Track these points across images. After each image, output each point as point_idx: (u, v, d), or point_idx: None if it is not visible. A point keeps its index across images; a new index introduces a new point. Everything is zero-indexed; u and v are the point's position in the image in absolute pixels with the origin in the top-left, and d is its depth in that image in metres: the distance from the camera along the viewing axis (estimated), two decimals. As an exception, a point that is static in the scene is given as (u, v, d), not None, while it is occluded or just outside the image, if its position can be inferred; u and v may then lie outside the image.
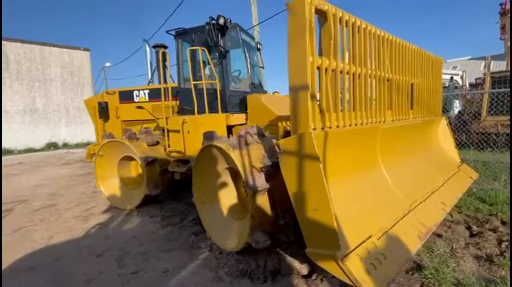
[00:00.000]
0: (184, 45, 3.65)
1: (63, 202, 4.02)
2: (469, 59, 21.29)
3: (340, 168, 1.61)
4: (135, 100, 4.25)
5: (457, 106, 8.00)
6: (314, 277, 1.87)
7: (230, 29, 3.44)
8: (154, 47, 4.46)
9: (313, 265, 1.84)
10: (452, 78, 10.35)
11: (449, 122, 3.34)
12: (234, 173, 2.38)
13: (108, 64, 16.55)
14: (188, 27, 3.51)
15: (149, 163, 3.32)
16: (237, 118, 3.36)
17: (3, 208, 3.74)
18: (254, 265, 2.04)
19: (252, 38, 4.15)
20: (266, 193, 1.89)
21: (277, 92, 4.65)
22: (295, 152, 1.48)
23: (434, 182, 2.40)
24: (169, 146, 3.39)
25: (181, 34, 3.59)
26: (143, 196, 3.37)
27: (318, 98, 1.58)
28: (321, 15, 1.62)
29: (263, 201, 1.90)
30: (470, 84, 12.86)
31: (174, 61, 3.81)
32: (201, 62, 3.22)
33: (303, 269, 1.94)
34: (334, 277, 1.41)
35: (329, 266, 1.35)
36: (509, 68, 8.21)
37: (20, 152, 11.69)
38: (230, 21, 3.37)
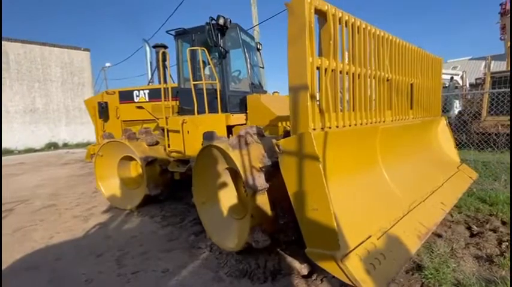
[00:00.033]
0: (184, 46, 3.66)
1: (63, 202, 4.02)
2: (469, 59, 21.29)
3: (339, 168, 1.61)
4: (135, 100, 4.26)
5: (457, 106, 8.00)
6: (314, 277, 1.87)
7: (230, 29, 3.45)
8: (154, 47, 4.46)
9: (313, 265, 1.84)
10: (452, 78, 10.35)
11: (449, 122, 3.34)
12: (234, 173, 2.38)
13: (108, 64, 16.58)
14: (188, 28, 3.51)
15: (149, 162, 3.33)
16: (237, 118, 3.36)
17: (3, 208, 3.74)
18: (254, 265, 2.04)
19: (252, 38, 4.15)
20: (266, 193, 1.90)
21: (277, 92, 4.66)
22: (294, 152, 1.48)
23: (434, 182, 2.40)
24: (169, 146, 3.40)
25: (181, 34, 3.60)
26: (143, 196, 3.37)
27: (317, 98, 1.58)
28: (321, 15, 1.62)
29: (263, 201, 1.90)
30: (471, 85, 12.86)
31: (174, 61, 3.82)
32: (201, 62, 3.22)
33: (303, 269, 1.94)
34: (334, 277, 1.41)
35: (329, 266, 1.35)
36: (509, 68, 8.21)
37: (20, 152, 11.70)
38: (230, 21, 3.38)
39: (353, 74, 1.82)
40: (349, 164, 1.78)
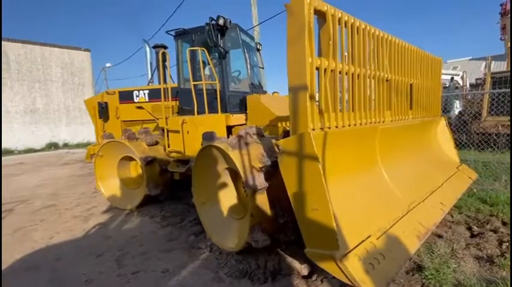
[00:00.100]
0: (184, 46, 3.66)
1: (63, 202, 4.02)
2: (470, 60, 21.29)
3: (339, 168, 1.61)
4: (135, 100, 4.26)
5: (457, 106, 7.99)
6: (314, 277, 1.87)
7: (230, 30, 3.45)
8: (154, 47, 4.46)
9: (313, 265, 1.84)
10: (452, 78, 10.35)
11: (449, 123, 3.33)
12: (234, 174, 2.38)
13: (108, 64, 16.56)
14: (188, 28, 3.52)
15: (149, 162, 3.33)
16: (236, 118, 3.36)
17: (3, 208, 3.75)
18: (254, 265, 2.04)
19: (252, 38, 4.16)
20: (265, 192, 1.90)
21: (276, 92, 4.66)
22: (294, 152, 1.48)
23: (433, 183, 2.40)
24: (169, 146, 3.40)
25: (181, 34, 3.60)
26: (143, 195, 3.37)
27: (317, 99, 1.58)
28: (320, 15, 1.62)
29: (262, 200, 1.91)
30: (471, 85, 12.85)
31: (174, 61, 3.82)
32: (200, 62, 3.23)
33: (303, 269, 1.93)
34: (334, 277, 1.41)
35: (328, 266, 1.35)
36: (509, 69, 8.20)
37: (20, 152, 11.71)
38: (230, 21, 3.38)
39: (352, 74, 1.83)
40: (349, 164, 1.78)
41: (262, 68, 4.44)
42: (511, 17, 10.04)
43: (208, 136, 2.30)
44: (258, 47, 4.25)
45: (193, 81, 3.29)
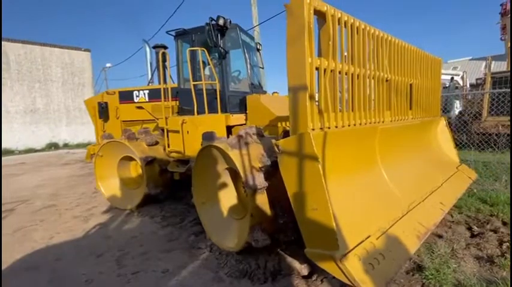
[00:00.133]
0: (184, 46, 3.66)
1: (63, 202, 4.03)
2: (470, 60, 21.28)
3: (339, 168, 1.62)
4: (135, 100, 4.26)
5: (457, 106, 7.99)
6: (314, 277, 1.87)
7: (230, 30, 3.45)
8: (154, 47, 4.47)
9: (313, 265, 1.84)
10: (452, 78, 10.35)
11: (450, 123, 3.33)
12: (234, 174, 2.38)
13: (108, 65, 16.60)
14: (188, 28, 3.52)
15: (148, 162, 3.33)
16: (236, 118, 3.37)
17: (4, 208, 3.75)
18: (254, 265, 2.04)
19: (252, 38, 4.16)
20: (265, 192, 1.90)
21: (276, 92, 4.67)
22: (294, 152, 1.48)
23: (433, 183, 2.40)
24: (168, 146, 3.40)
25: (181, 35, 3.60)
26: (143, 195, 3.37)
27: (316, 99, 1.58)
28: (320, 16, 1.63)
29: (262, 200, 1.91)
30: (471, 85, 12.85)
31: (174, 62, 3.82)
32: (200, 62, 3.23)
33: (303, 269, 1.93)
34: (334, 277, 1.41)
35: (328, 266, 1.35)
36: (509, 69, 8.19)
37: (20, 152, 11.72)
38: (230, 21, 3.38)
39: (352, 74, 1.83)
40: (348, 164, 1.79)
41: (262, 68, 4.44)
42: (511, 17, 10.04)
43: (208, 136, 2.30)
44: (258, 47, 4.25)
45: (193, 81, 3.29)
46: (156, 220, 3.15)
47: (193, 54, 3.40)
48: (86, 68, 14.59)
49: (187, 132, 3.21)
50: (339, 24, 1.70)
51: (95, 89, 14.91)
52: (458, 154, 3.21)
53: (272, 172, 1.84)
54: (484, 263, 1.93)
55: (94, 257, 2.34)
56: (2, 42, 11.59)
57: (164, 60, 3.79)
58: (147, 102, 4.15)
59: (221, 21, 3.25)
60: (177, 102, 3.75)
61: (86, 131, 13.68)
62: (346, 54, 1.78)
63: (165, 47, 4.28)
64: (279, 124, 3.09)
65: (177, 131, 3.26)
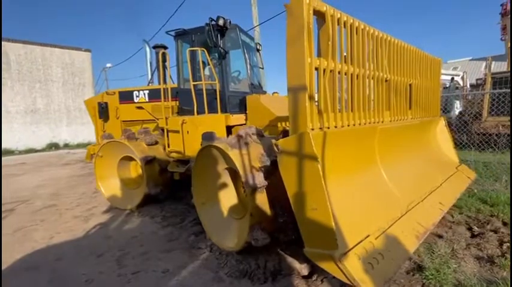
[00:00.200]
0: (184, 46, 3.67)
1: (64, 202, 4.03)
2: (470, 60, 21.28)
3: (338, 168, 1.62)
4: (135, 100, 4.27)
5: (457, 107, 7.99)
6: (314, 277, 1.87)
7: (230, 30, 3.46)
8: (154, 47, 4.47)
9: (313, 265, 1.85)
10: (453, 79, 10.35)
11: (450, 123, 3.33)
12: (234, 174, 2.39)
13: (109, 65, 16.59)
14: (188, 28, 3.53)
15: (148, 161, 3.34)
16: (236, 118, 3.37)
17: (4, 208, 3.76)
18: (254, 265, 2.04)
19: (252, 38, 4.17)
20: (265, 191, 1.90)
21: (276, 92, 4.67)
22: (293, 152, 1.49)
23: (432, 183, 2.40)
24: (168, 146, 3.40)
25: (181, 35, 3.61)
26: (143, 195, 3.38)
27: (316, 99, 1.58)
28: (319, 16, 1.63)
29: (262, 199, 1.91)
30: (471, 85, 12.85)
31: (174, 62, 3.83)
32: (200, 62, 3.23)
33: (304, 269, 1.93)
34: (334, 277, 1.41)
35: (327, 266, 1.35)
36: (509, 69, 8.19)
37: (20, 152, 11.73)
38: (230, 22, 3.38)
39: (351, 74, 1.83)
40: (348, 164, 1.79)
41: (262, 68, 4.44)
42: (511, 17, 10.03)
43: (208, 136, 2.30)
44: (257, 47, 4.25)
45: (193, 81, 3.30)
46: (157, 220, 3.15)
47: (193, 55, 3.40)
48: (86, 68, 14.61)
49: (187, 132, 3.21)
50: (338, 24, 1.70)
51: (95, 89, 14.93)
52: (457, 154, 3.21)
53: (272, 171, 1.85)
54: (484, 264, 1.93)
55: (94, 257, 2.34)
56: (3, 42, 11.61)
57: (164, 61, 3.79)
58: (147, 102, 4.15)
59: (221, 22, 3.25)
60: (177, 102, 3.76)
61: (86, 131, 13.70)
62: (345, 54, 1.78)
63: (165, 47, 4.28)
64: (279, 124, 3.10)
65: (177, 131, 3.27)
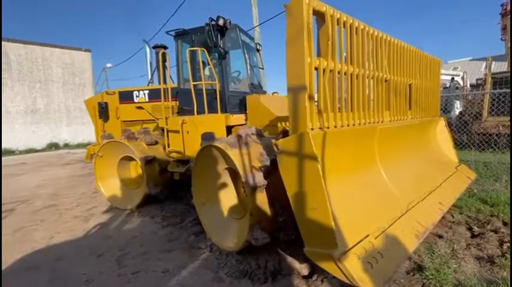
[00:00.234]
0: (184, 46, 3.67)
1: (64, 202, 4.03)
2: (470, 60, 21.29)
3: (338, 168, 1.62)
4: (135, 100, 4.27)
5: (458, 107, 7.99)
6: (315, 277, 1.87)
7: (230, 30, 3.46)
8: (154, 47, 4.48)
9: (313, 265, 1.84)
10: (453, 79, 10.35)
11: (450, 123, 3.33)
12: (233, 174, 2.39)
13: (109, 65, 16.57)
14: (188, 28, 3.53)
15: (148, 161, 3.34)
16: (236, 118, 3.37)
17: (4, 208, 3.76)
18: (254, 265, 2.04)
19: (252, 39, 4.17)
20: (264, 191, 1.90)
21: (276, 92, 4.67)
22: (293, 152, 1.49)
23: (432, 182, 2.40)
24: (168, 146, 3.41)
25: (181, 35, 3.61)
26: (143, 195, 3.38)
27: (316, 99, 1.58)
28: (319, 16, 1.63)
29: (262, 199, 1.91)
30: (471, 85, 12.85)
31: (174, 62, 3.83)
32: (200, 62, 3.24)
33: (304, 269, 1.93)
34: (334, 277, 1.41)
35: (327, 265, 1.35)
36: (510, 69, 8.19)
37: (21, 152, 11.74)
38: (230, 22, 3.39)
39: (351, 74, 1.83)
40: (348, 164, 1.79)
41: (262, 68, 4.45)
42: (511, 17, 10.03)
43: (208, 137, 2.30)
44: (257, 47, 4.26)
45: (193, 81, 3.30)
46: (157, 220, 3.15)
47: (193, 55, 3.41)
48: (86, 68, 14.62)
49: (187, 132, 3.22)
50: (338, 24, 1.70)
51: (95, 90, 14.92)
52: (457, 154, 3.21)
53: (271, 171, 1.85)
54: (484, 264, 1.93)
55: (94, 257, 2.34)
56: (3, 42, 11.62)
57: (164, 61, 3.80)
58: (147, 102, 4.16)
59: (221, 22, 3.25)
60: (177, 102, 3.76)
61: (86, 131, 13.70)
62: (345, 54, 1.78)
63: (165, 47, 4.29)
64: (279, 124, 3.10)
65: (177, 131, 3.27)
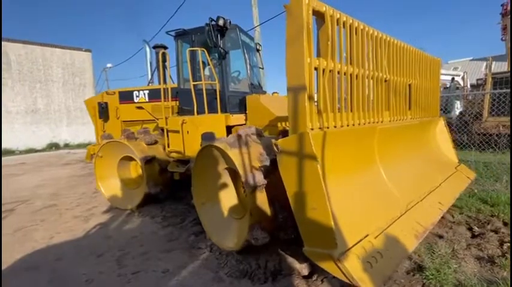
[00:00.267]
0: (184, 46, 3.67)
1: (64, 202, 4.03)
2: (471, 60, 21.29)
3: (337, 168, 1.62)
4: (135, 100, 4.28)
5: (458, 107, 7.98)
6: (315, 277, 1.87)
7: (229, 30, 3.46)
8: (154, 47, 4.48)
9: (313, 265, 1.84)
10: (453, 79, 10.35)
11: (450, 123, 3.33)
12: (233, 174, 2.39)
13: (109, 65, 16.57)
14: (188, 28, 3.53)
15: (148, 161, 3.34)
16: (236, 118, 3.37)
17: (4, 208, 3.76)
18: (255, 265, 2.04)
19: (252, 39, 4.17)
20: (264, 190, 1.90)
21: (276, 92, 4.67)
22: (293, 152, 1.49)
23: (431, 182, 2.40)
24: (168, 146, 3.41)
25: (181, 35, 3.61)
26: (143, 194, 3.38)
27: (315, 99, 1.58)
28: (319, 16, 1.63)
29: (261, 198, 1.91)
30: (472, 85, 12.84)
31: (174, 62, 3.83)
32: (200, 62, 3.24)
33: (304, 269, 1.93)
34: (334, 277, 1.41)
35: (326, 265, 1.35)
36: (510, 69, 8.18)
37: (21, 152, 11.75)
38: (230, 22, 3.39)
39: (351, 74, 1.83)
40: (347, 164, 1.79)
41: (262, 68, 4.45)
42: (511, 17, 10.02)
43: (207, 137, 2.31)
44: (257, 47, 4.26)
45: (193, 81, 3.30)
46: (157, 220, 3.15)
47: (193, 55, 3.41)
48: (86, 68, 14.63)
49: (187, 132, 3.22)
50: (337, 24, 1.70)
51: (95, 90, 14.93)
52: (457, 154, 3.21)
53: (271, 170, 1.85)
54: (484, 264, 1.93)
55: (94, 257, 2.34)
56: (3, 43, 11.63)
57: (164, 61, 3.80)
58: (147, 102, 4.16)
59: (221, 22, 3.25)
60: (177, 102, 3.76)
61: (86, 131, 13.71)
62: (345, 54, 1.78)
63: (165, 47, 4.29)
64: (279, 124, 3.10)
65: (177, 131, 3.27)
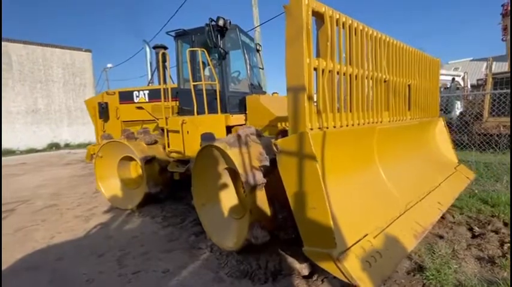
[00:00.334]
0: (184, 46, 3.68)
1: (64, 202, 4.04)
2: (471, 60, 21.27)
3: (337, 168, 1.62)
4: (135, 101, 4.28)
5: (458, 107, 7.98)
6: (315, 277, 1.87)
7: (229, 31, 3.47)
8: (154, 47, 4.49)
9: (314, 265, 1.84)
10: (453, 79, 10.34)
11: (451, 123, 3.33)
12: (233, 174, 2.39)
13: (109, 65, 16.61)
14: (188, 29, 3.54)
15: (148, 161, 3.35)
16: (236, 119, 3.38)
17: (5, 208, 3.77)
18: (255, 265, 2.04)
19: (252, 39, 4.18)
20: (264, 189, 1.91)
21: (276, 92, 4.68)
22: (292, 151, 1.49)
23: (431, 182, 2.40)
24: (168, 146, 3.42)
25: (181, 35, 3.62)
26: (143, 194, 3.39)
27: (315, 99, 1.59)
28: (318, 17, 1.64)
29: (261, 197, 1.92)
30: (472, 86, 12.83)
31: (174, 62, 3.84)
32: (200, 63, 3.24)
33: (304, 269, 1.94)
34: (335, 277, 1.41)
35: (326, 265, 1.36)
36: (510, 69, 8.17)
37: (21, 152, 11.78)
38: (230, 22, 3.40)
39: (350, 75, 1.83)
40: (347, 164, 1.79)
41: (262, 68, 4.45)
42: (511, 18, 10.01)
43: (207, 137, 2.31)
44: (257, 47, 4.26)
45: (193, 81, 3.31)
46: (157, 220, 3.16)
47: (193, 55, 3.41)
48: (87, 68, 14.66)
49: (187, 132, 3.22)
50: (337, 25, 1.71)
51: (96, 90, 14.97)
52: (457, 154, 3.21)
53: (270, 169, 1.86)
54: (485, 264, 1.93)
55: (95, 257, 2.35)
56: (4, 43, 11.67)
57: (164, 61, 3.81)
58: (147, 102, 4.17)
59: (221, 22, 3.26)
60: (177, 102, 3.77)
61: (87, 131, 13.73)
62: (344, 55, 1.79)
63: (165, 48, 4.30)
64: (279, 124, 3.10)
65: (177, 131, 3.28)
